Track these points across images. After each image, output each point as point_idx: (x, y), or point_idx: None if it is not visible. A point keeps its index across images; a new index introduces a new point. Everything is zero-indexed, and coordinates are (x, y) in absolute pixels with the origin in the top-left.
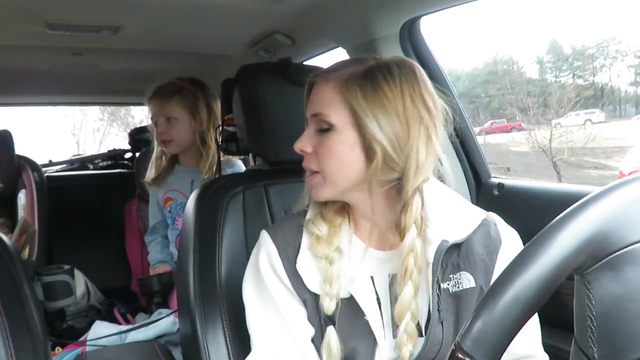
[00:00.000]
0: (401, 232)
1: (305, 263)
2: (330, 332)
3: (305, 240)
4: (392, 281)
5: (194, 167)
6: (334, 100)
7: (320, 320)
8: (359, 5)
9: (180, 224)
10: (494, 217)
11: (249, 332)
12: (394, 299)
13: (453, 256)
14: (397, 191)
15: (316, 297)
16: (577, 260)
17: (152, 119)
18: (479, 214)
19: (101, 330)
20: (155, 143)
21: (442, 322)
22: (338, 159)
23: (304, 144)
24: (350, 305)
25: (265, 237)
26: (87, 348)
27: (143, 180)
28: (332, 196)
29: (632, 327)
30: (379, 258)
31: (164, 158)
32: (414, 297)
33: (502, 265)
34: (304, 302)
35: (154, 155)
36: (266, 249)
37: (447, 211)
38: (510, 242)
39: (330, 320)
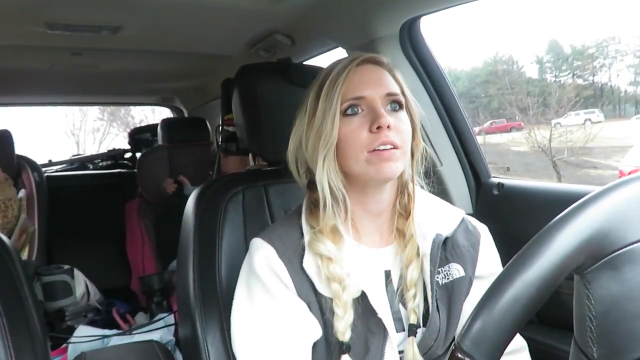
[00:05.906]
0: (394, 228)
1: (312, 264)
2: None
3: (310, 261)
4: (388, 276)
5: None
6: (394, 83)
7: (328, 342)
8: (359, 5)
9: None
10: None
11: (234, 353)
12: (395, 294)
13: (440, 250)
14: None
15: (321, 298)
16: (577, 260)
17: None
18: (459, 211)
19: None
20: None
21: (438, 311)
22: (409, 134)
23: (388, 120)
24: (360, 304)
25: (258, 242)
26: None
27: None
28: (400, 172)
29: (631, 327)
30: (375, 255)
31: None
32: (419, 278)
33: (485, 256)
34: (308, 305)
35: None
36: (262, 253)
37: (432, 208)
38: (487, 235)
39: (345, 344)
